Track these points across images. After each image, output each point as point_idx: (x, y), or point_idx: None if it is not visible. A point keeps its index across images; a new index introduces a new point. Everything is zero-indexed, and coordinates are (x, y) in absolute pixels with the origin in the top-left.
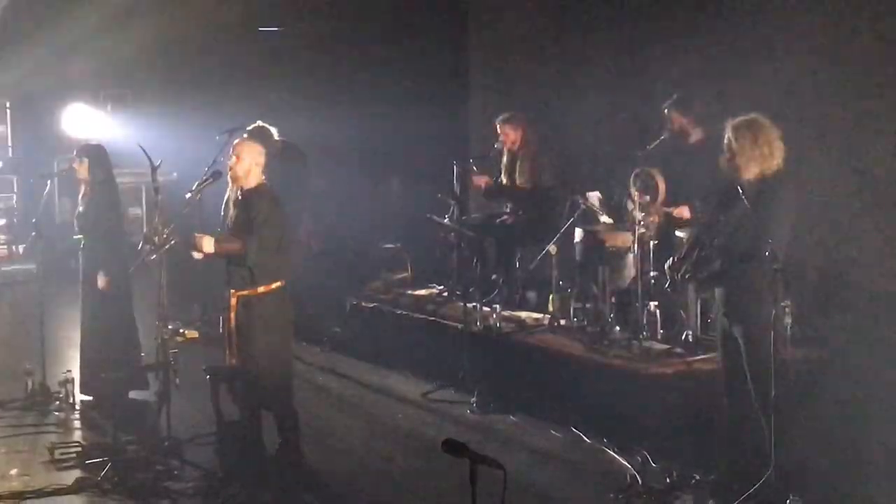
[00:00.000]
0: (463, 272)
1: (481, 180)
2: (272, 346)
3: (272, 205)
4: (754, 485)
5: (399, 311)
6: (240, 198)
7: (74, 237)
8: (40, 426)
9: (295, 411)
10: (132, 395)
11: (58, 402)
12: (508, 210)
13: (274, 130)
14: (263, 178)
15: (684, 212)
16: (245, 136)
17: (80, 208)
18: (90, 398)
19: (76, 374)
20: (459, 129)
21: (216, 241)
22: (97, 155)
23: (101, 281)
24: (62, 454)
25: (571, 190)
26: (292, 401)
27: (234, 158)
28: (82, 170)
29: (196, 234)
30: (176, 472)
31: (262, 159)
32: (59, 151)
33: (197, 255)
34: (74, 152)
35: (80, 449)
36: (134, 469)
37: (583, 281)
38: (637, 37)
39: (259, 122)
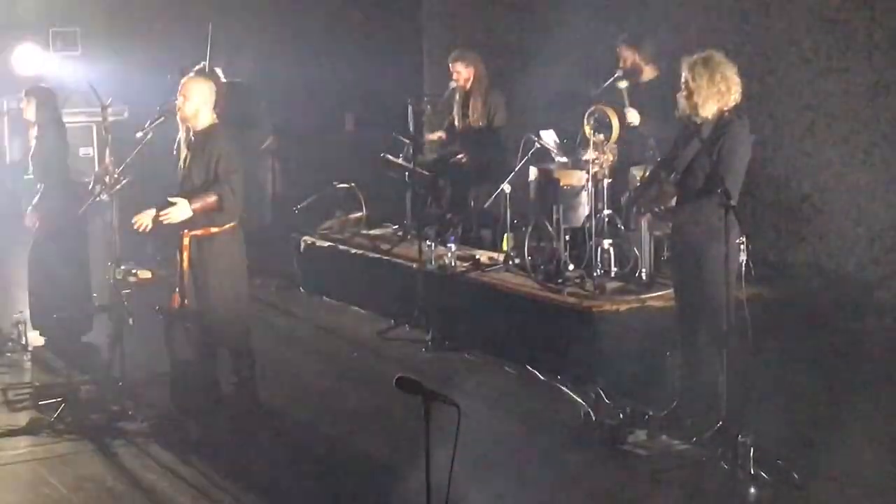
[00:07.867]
0: (417, 211)
1: (434, 135)
2: (227, 286)
3: (230, 146)
4: (706, 422)
5: (354, 251)
6: (192, 139)
7: (26, 177)
8: None
9: (251, 351)
10: (84, 338)
11: (10, 343)
12: (462, 149)
13: (219, 71)
14: (215, 117)
15: (634, 116)
16: (192, 74)
17: (32, 149)
18: (42, 339)
19: (28, 316)
20: (413, 67)
21: (191, 203)
22: (44, 96)
23: (27, 219)
24: (16, 395)
25: (525, 128)
26: (248, 341)
27: (181, 98)
28: (29, 111)
29: (169, 199)
30: (130, 413)
31: (211, 98)
32: (8, 91)
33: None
34: (23, 93)
35: (33, 390)
36: (88, 410)
37: (537, 219)
38: None
39: (203, 63)
